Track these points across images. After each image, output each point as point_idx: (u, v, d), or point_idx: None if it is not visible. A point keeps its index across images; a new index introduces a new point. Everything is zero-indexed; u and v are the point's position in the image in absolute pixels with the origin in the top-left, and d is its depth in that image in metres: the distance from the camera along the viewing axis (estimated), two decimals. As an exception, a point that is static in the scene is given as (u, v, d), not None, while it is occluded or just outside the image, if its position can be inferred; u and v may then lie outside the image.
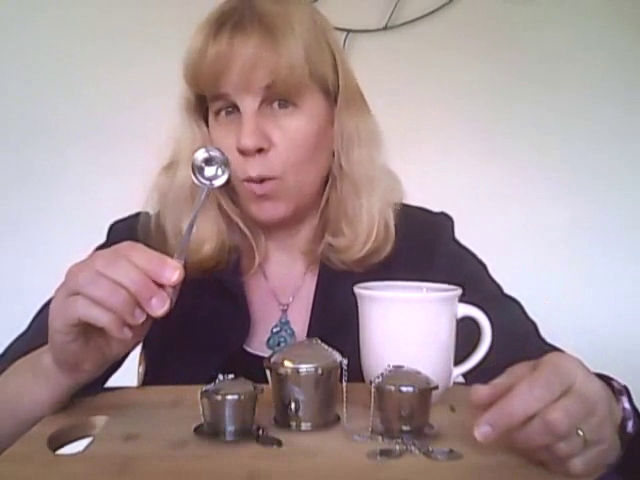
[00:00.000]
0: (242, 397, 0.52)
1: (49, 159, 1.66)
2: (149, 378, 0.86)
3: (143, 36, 1.64)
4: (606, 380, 0.54)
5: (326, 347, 0.57)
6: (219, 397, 0.52)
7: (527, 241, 1.70)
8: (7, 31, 1.65)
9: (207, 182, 0.64)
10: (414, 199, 0.89)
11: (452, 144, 1.68)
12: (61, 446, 0.55)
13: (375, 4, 1.66)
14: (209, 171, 0.65)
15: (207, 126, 0.80)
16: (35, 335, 0.75)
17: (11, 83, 1.65)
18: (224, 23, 0.73)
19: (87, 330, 0.56)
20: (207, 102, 0.78)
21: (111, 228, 0.89)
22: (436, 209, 0.93)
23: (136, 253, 0.56)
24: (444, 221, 0.91)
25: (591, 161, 1.72)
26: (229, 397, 0.52)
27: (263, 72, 0.72)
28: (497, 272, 0.88)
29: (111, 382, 0.78)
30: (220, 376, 0.54)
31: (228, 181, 0.66)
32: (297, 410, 0.55)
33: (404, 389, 0.52)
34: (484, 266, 0.88)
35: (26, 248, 1.64)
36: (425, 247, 0.85)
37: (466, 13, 1.68)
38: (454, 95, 1.69)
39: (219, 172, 0.65)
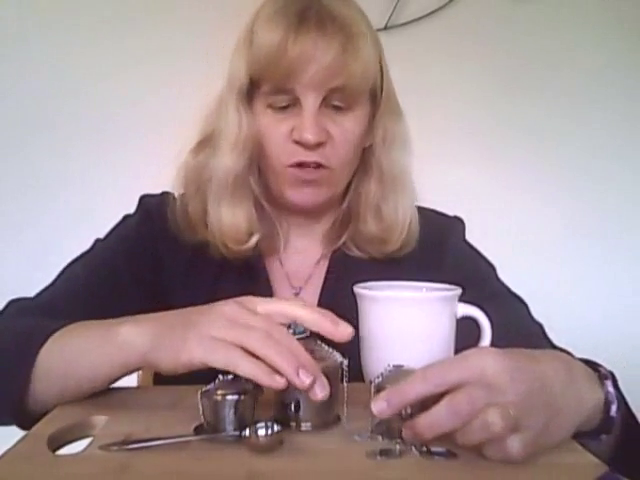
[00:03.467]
0: (242, 397, 0.52)
1: (50, 158, 1.65)
2: None
3: (145, 35, 1.63)
4: (592, 366, 0.57)
5: (326, 347, 0.57)
6: (219, 397, 0.52)
7: (526, 243, 1.70)
8: (9, 30, 1.65)
9: None
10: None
11: (451, 145, 1.68)
12: (61, 446, 0.55)
13: (375, 4, 1.65)
14: None
15: (251, 110, 0.80)
16: (62, 288, 0.80)
17: (13, 82, 1.65)
18: (304, 20, 0.73)
19: None
20: (258, 88, 0.78)
21: (141, 200, 0.90)
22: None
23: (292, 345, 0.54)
24: (455, 223, 0.93)
25: (590, 164, 1.72)
26: (229, 397, 0.52)
27: (338, 75, 0.74)
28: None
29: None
30: (220, 376, 0.54)
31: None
32: (297, 410, 0.55)
33: (404, 389, 0.52)
34: (493, 267, 0.89)
35: (27, 247, 1.64)
36: (435, 247, 0.87)
37: (466, 14, 1.68)
38: (454, 95, 1.69)
39: None
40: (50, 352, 0.63)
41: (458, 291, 0.62)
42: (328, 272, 0.86)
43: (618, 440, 0.58)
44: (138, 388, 0.86)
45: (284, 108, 0.77)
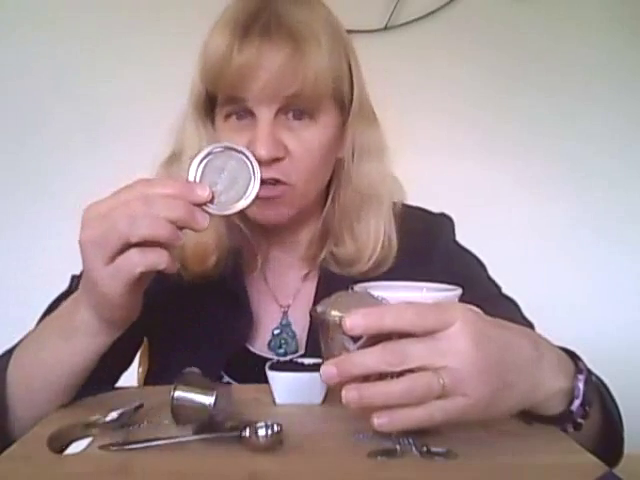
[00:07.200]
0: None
1: (45, 157, 1.65)
2: (151, 379, 0.86)
3: (142, 34, 1.63)
4: (572, 358, 0.57)
5: (375, 294, 0.55)
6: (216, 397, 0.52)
7: (527, 242, 1.70)
8: (6, 28, 1.64)
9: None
10: (412, 199, 0.89)
11: (452, 144, 1.68)
12: (61, 446, 0.55)
13: (375, 4, 1.66)
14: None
15: (212, 125, 0.78)
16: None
17: (8, 80, 1.65)
18: (249, 27, 0.70)
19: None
20: (217, 101, 0.76)
21: None
22: (434, 210, 0.93)
23: (160, 184, 0.55)
24: (444, 221, 0.91)
25: (590, 160, 1.72)
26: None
27: (288, 83, 0.70)
28: (497, 272, 0.88)
29: (111, 382, 0.78)
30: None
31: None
32: None
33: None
34: (483, 267, 0.88)
35: (22, 245, 1.64)
36: (423, 246, 0.85)
37: (466, 13, 1.68)
38: (454, 95, 1.69)
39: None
40: (16, 365, 0.64)
41: (458, 291, 0.62)
42: (319, 286, 0.83)
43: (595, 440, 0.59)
44: (138, 388, 0.86)
45: (242, 120, 0.74)
